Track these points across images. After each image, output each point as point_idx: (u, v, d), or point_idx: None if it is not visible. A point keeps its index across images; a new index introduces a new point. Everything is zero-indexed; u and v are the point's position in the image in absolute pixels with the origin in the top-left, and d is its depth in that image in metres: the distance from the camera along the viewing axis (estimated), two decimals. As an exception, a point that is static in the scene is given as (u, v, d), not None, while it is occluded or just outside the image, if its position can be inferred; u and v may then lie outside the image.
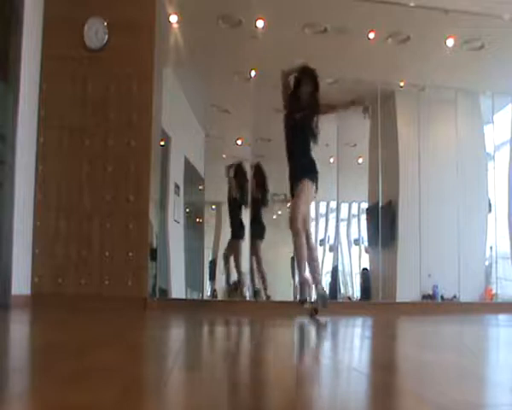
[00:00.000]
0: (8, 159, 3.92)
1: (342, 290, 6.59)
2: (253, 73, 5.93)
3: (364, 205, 6.68)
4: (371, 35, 5.59)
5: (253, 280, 5.86)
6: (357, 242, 6.71)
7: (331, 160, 6.33)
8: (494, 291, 6.32)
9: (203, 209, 6.00)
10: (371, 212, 6.43)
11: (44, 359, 1.46)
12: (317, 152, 6.83)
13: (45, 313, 3.73)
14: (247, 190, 5.92)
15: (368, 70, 6.01)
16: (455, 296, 6.08)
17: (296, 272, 4.03)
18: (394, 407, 0.99)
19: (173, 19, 5.29)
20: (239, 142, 6.42)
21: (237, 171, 5.97)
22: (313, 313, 3.88)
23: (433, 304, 6.01)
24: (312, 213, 6.95)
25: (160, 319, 3.69)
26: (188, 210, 6.14)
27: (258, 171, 5.97)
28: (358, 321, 4.08)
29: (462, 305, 5.88)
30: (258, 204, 5.94)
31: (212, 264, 5.98)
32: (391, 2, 5.19)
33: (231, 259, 5.85)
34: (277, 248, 6.23)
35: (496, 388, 1.22)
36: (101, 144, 4.49)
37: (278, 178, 6.04)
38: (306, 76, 4.11)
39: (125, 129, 4.52)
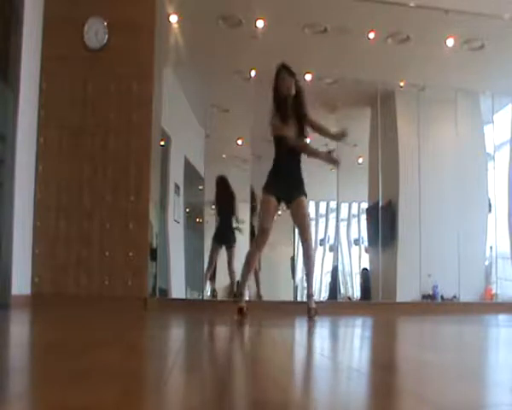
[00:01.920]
0: (8, 159, 3.91)
1: (342, 290, 6.59)
2: (252, 73, 5.93)
3: (364, 205, 6.68)
4: (371, 35, 5.60)
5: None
6: (357, 242, 6.71)
7: (331, 160, 6.33)
8: (494, 291, 6.32)
9: (203, 209, 6.00)
10: (371, 212, 6.43)
11: (44, 359, 1.46)
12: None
13: (45, 313, 3.73)
14: (231, 202, 5.99)
15: (368, 70, 6.01)
16: (455, 296, 6.08)
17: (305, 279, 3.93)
18: (394, 407, 0.99)
19: (173, 19, 5.29)
20: (239, 142, 6.43)
21: (218, 183, 5.99)
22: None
23: (433, 304, 6.01)
24: (312, 214, 6.96)
25: (159, 319, 3.69)
26: (188, 210, 6.14)
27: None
28: (358, 321, 4.08)
29: (462, 305, 5.88)
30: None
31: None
32: (391, 2, 5.20)
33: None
34: (277, 249, 6.23)
35: (496, 388, 1.22)
36: (101, 144, 4.49)
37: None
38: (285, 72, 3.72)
39: (125, 129, 4.52)
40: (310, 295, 3.73)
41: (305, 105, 3.81)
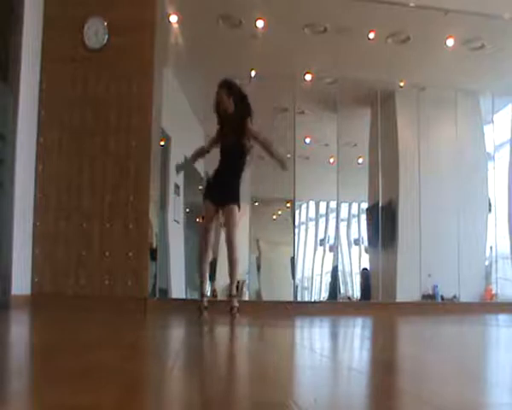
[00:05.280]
0: (8, 159, 3.91)
1: (342, 290, 6.59)
2: (252, 73, 5.93)
3: (364, 205, 6.68)
4: (371, 35, 5.59)
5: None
6: (357, 242, 6.71)
7: (331, 160, 6.33)
8: (494, 291, 6.32)
9: (203, 209, 5.99)
10: (371, 212, 6.43)
11: (44, 359, 1.46)
12: (317, 152, 6.86)
13: (45, 313, 3.73)
14: None
15: (368, 70, 6.01)
16: (455, 296, 6.08)
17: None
18: (394, 407, 0.99)
19: (173, 19, 5.29)
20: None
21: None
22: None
23: (433, 304, 6.01)
24: (312, 213, 6.96)
25: (159, 319, 3.69)
26: (188, 210, 6.13)
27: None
28: (358, 321, 4.08)
29: (462, 305, 5.88)
30: None
31: (212, 264, 5.97)
32: (391, 2, 5.19)
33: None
34: (277, 249, 6.23)
35: (496, 388, 1.22)
36: (101, 144, 4.48)
37: (278, 180, 6.05)
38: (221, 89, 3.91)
39: (125, 129, 4.51)
40: (232, 295, 3.83)
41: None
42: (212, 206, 3.91)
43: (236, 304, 3.81)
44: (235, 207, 3.88)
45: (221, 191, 3.90)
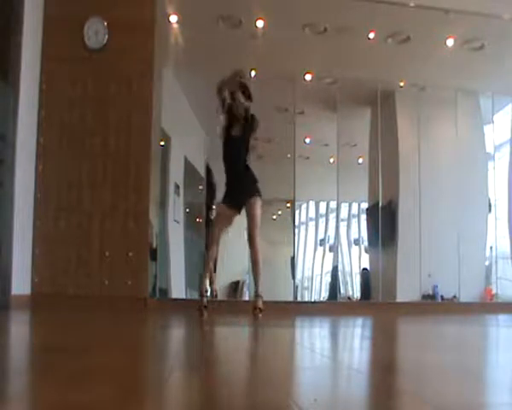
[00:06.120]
0: (8, 159, 3.92)
1: (342, 290, 6.59)
2: (252, 73, 5.93)
3: (364, 205, 6.68)
4: (371, 35, 5.59)
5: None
6: (357, 242, 6.71)
7: (331, 160, 6.33)
8: (494, 291, 6.31)
9: (203, 209, 5.99)
10: (371, 212, 6.43)
11: (44, 359, 1.46)
12: (317, 152, 6.86)
13: (45, 313, 3.73)
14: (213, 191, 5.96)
15: (368, 70, 6.00)
16: (455, 296, 6.08)
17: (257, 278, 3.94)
18: (394, 408, 0.99)
19: (173, 19, 5.29)
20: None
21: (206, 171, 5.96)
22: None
23: (433, 304, 6.01)
24: (312, 213, 6.96)
25: (159, 319, 3.69)
26: (188, 210, 6.13)
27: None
28: (358, 321, 4.08)
29: (462, 305, 5.88)
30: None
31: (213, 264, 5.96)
32: (391, 2, 5.20)
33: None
34: (277, 249, 6.22)
35: (496, 388, 1.22)
36: (101, 144, 4.49)
37: (278, 180, 6.04)
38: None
39: (125, 129, 4.52)
40: (257, 296, 3.81)
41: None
42: (227, 210, 3.92)
43: (261, 305, 3.77)
44: (257, 200, 3.87)
45: (239, 192, 3.90)
